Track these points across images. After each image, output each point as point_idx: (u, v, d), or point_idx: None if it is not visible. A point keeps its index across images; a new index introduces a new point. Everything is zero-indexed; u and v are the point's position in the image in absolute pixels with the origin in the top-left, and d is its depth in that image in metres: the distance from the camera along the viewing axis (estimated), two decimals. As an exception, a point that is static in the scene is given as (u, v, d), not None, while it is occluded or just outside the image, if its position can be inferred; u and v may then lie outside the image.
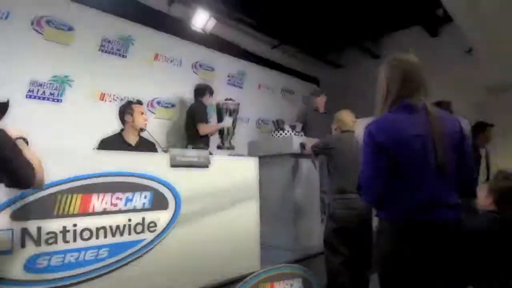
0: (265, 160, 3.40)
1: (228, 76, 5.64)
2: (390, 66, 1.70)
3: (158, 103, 4.63)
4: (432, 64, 6.45)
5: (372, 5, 5.63)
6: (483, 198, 2.25)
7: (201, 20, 4.80)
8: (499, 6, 4.45)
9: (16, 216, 1.70)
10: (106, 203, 1.97)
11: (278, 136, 3.79)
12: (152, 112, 4.52)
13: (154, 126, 4.17)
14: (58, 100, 3.83)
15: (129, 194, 2.06)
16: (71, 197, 1.85)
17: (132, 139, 3.08)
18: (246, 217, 2.73)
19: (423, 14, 6.06)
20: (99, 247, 1.93)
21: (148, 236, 2.12)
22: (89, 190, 1.91)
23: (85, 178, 1.91)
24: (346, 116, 3.18)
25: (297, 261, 3.06)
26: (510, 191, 2.20)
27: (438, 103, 5.04)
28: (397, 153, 1.52)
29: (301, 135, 3.84)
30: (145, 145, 3.08)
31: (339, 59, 7.70)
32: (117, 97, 4.20)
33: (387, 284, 1.60)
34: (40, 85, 3.72)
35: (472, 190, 1.75)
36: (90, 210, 1.91)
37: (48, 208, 1.79)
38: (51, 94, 3.79)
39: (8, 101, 2.64)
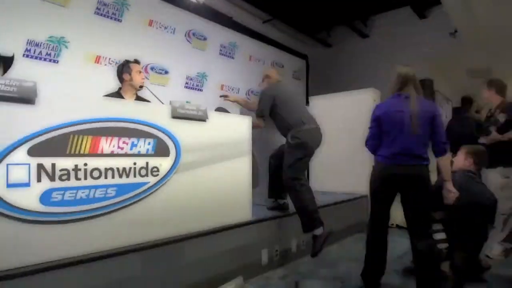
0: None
1: (220, 46, 5.74)
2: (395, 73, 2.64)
3: (152, 69, 4.73)
4: (419, 45, 6.72)
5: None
6: (463, 161, 3.03)
7: (195, -11, 4.88)
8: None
9: (32, 152, 1.84)
10: (113, 146, 2.13)
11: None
12: (146, 78, 4.60)
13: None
14: (55, 61, 3.89)
15: (134, 140, 2.22)
16: (82, 138, 2.01)
17: (130, 97, 3.21)
18: (240, 171, 2.94)
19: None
20: (107, 186, 2.10)
21: (151, 179, 2.30)
22: (98, 132, 2.07)
23: (95, 122, 2.06)
24: (273, 72, 3.78)
25: (284, 216, 3.32)
26: (483, 155, 3.02)
27: (422, 80, 5.37)
28: (385, 122, 2.55)
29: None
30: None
31: (328, 37, 7.84)
32: (112, 61, 4.28)
33: (373, 197, 2.75)
34: (37, 45, 3.78)
35: (442, 149, 2.56)
36: (99, 151, 2.07)
37: (61, 146, 1.93)
38: (47, 54, 3.85)
39: (13, 56, 2.75)
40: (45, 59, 3.83)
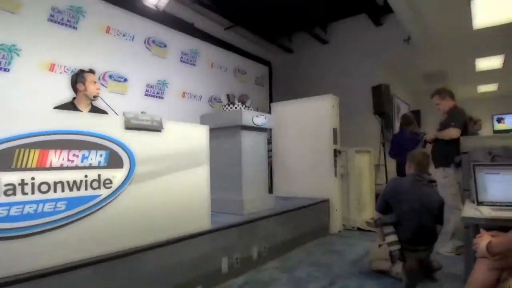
0: (216, 133, 3.61)
1: (181, 53, 5.72)
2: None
3: (110, 76, 4.65)
4: (375, 51, 6.98)
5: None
6: (408, 168, 3.19)
7: (154, -4, 4.84)
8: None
9: (-25, 167, 1.78)
10: (63, 159, 2.08)
11: (229, 110, 3.99)
12: (104, 86, 4.53)
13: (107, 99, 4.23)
14: (5, 69, 3.75)
15: (85, 152, 2.18)
16: (29, 152, 1.95)
17: (84, 107, 3.15)
18: (198, 180, 2.94)
19: (366, 3, 6.45)
20: (57, 200, 2.04)
21: (104, 192, 2.26)
22: (46, 146, 2.01)
23: (42, 134, 2.00)
24: None
25: (245, 223, 3.35)
26: (420, 156, 3.16)
27: (379, 86, 5.76)
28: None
29: (251, 109, 4.07)
30: (97, 113, 3.15)
31: (290, 43, 8.00)
32: (68, 69, 4.18)
33: None
34: (-15, 52, 3.64)
35: None
36: (48, 165, 2.02)
37: (6, 161, 1.87)
38: (-3, 62, 3.72)
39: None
40: (-6, 68, 3.69)
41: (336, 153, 4.98)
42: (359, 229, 5.07)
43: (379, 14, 6.88)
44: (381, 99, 6.44)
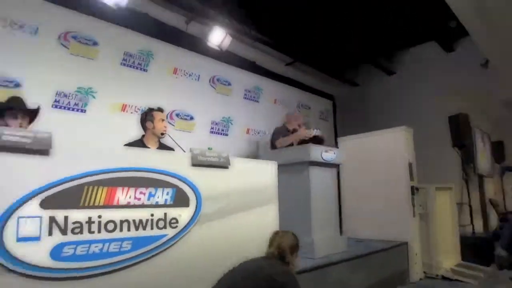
0: (282, 169, 3.42)
1: (245, 91, 5.76)
2: None
3: (177, 115, 4.75)
4: (449, 79, 6.50)
5: (385, 22, 5.73)
6: None
7: (217, 37, 4.94)
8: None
9: (45, 204, 1.75)
10: (130, 197, 2.01)
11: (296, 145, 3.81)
12: (172, 124, 4.62)
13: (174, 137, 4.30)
14: (82, 111, 3.96)
15: (152, 190, 2.10)
16: (97, 189, 1.90)
17: (152, 145, 3.16)
18: (266, 219, 2.73)
19: (437, 28, 6.09)
20: (122, 240, 1.95)
21: (169, 231, 2.14)
22: (114, 183, 1.96)
23: (111, 172, 1.96)
24: None
25: (316, 268, 3.05)
26: None
27: (456, 116, 5.20)
28: None
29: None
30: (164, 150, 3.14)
31: (353, 76, 7.77)
32: (138, 109, 4.33)
33: None
34: (66, 96, 3.87)
35: None
36: (115, 203, 1.95)
37: (75, 198, 1.84)
38: (75, 104, 3.94)
39: (39, 107, 2.78)
40: (73, 109, 3.92)
41: (414, 190, 4.52)
42: (443, 277, 4.46)
43: (451, 39, 6.46)
44: (459, 130, 5.88)
